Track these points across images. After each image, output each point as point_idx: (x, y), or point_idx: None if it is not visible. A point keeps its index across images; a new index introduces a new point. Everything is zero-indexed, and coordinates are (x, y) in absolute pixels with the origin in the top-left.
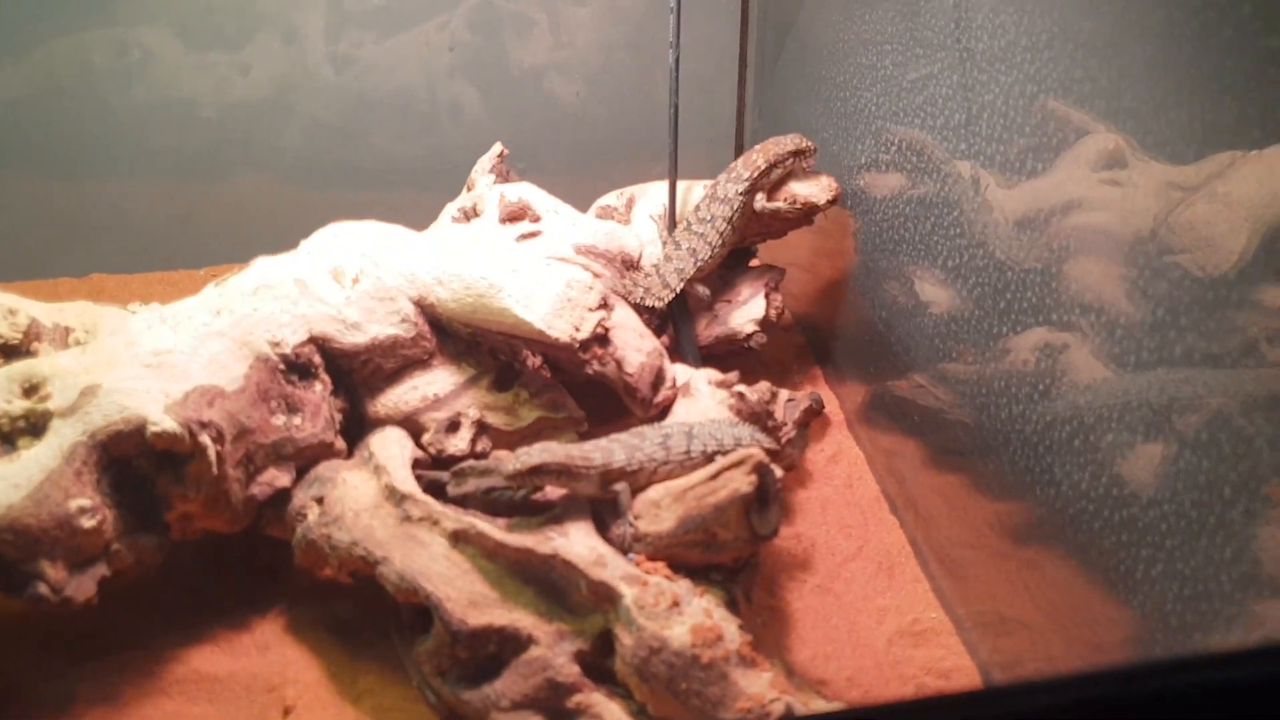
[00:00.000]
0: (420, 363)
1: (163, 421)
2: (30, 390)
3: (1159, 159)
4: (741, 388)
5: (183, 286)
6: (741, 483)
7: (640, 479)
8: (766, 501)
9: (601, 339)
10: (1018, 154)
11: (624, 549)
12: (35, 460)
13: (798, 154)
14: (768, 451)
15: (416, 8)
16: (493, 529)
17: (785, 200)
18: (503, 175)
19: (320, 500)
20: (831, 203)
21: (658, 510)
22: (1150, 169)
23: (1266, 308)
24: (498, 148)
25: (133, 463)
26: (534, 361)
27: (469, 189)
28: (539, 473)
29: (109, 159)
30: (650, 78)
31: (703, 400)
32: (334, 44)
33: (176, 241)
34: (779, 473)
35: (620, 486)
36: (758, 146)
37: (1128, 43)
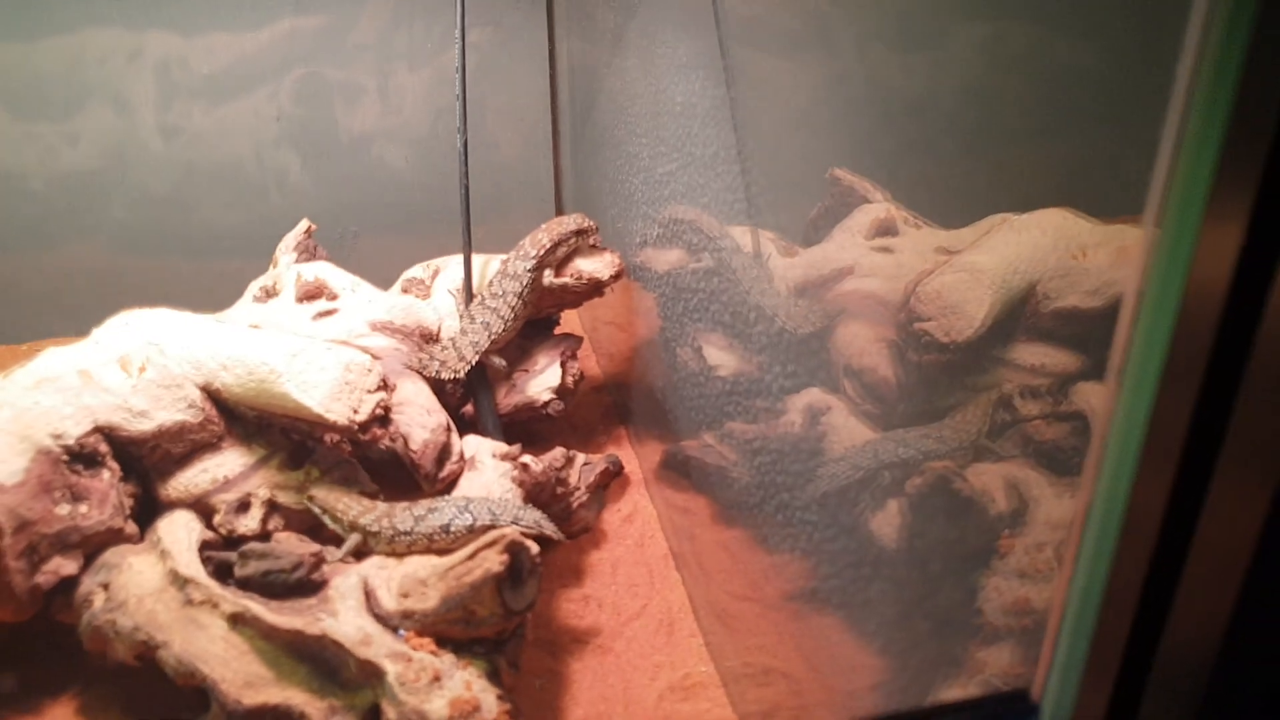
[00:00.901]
0: (210, 446)
1: None
2: None
3: (931, 224)
4: (527, 458)
5: (4, 361)
6: (493, 561)
7: (380, 543)
8: (521, 578)
9: (382, 419)
10: (788, 228)
11: (393, 628)
12: None
13: (580, 233)
14: (559, 519)
15: (245, 78)
16: (266, 611)
17: (571, 276)
18: (309, 251)
19: (106, 586)
20: (615, 278)
21: (424, 589)
22: (919, 235)
23: (1013, 366)
24: (304, 224)
25: None
26: (331, 438)
27: (273, 265)
28: (313, 500)
29: None
30: (477, 142)
31: (486, 473)
32: (164, 114)
33: (3, 313)
34: (534, 549)
35: (354, 537)
36: (543, 226)
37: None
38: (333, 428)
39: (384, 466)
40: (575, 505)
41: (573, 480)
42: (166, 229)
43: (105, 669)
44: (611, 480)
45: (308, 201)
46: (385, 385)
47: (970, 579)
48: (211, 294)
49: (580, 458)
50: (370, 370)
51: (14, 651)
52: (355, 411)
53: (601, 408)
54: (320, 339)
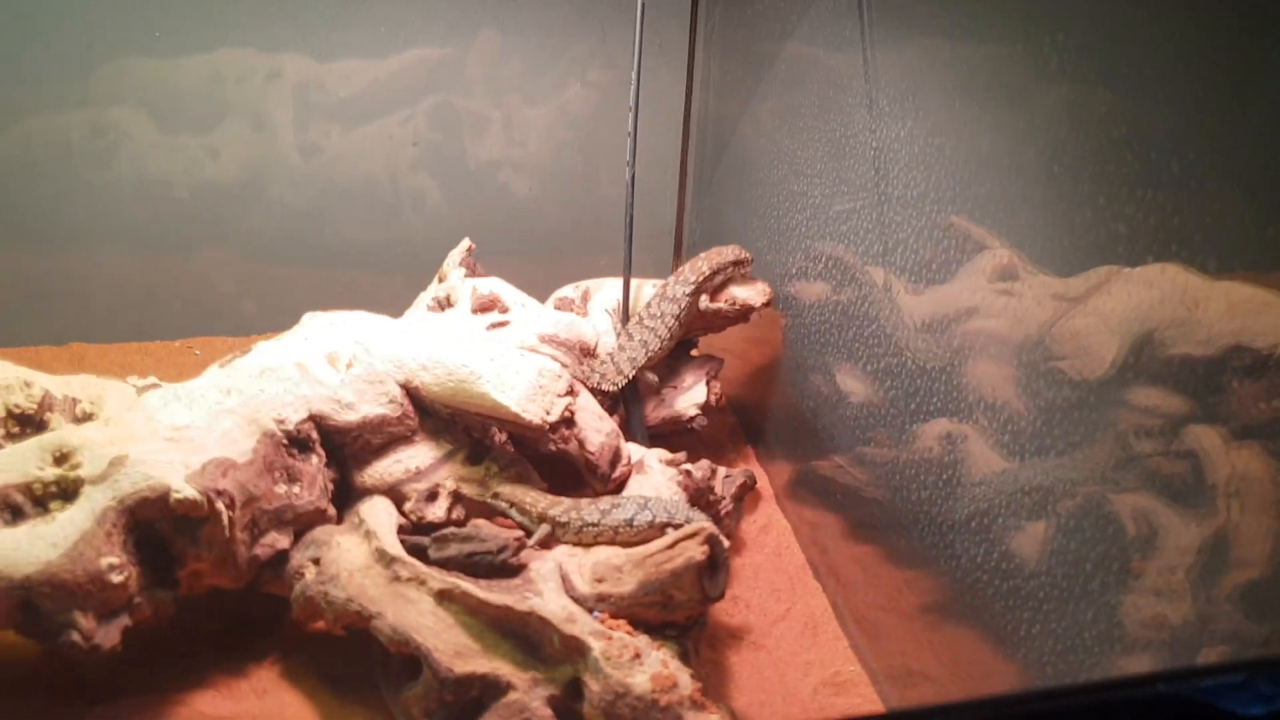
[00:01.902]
0: (404, 439)
1: (184, 490)
2: (61, 459)
3: (1046, 272)
4: (688, 466)
5: (159, 357)
6: (696, 551)
7: (568, 533)
8: (716, 568)
9: (568, 421)
10: (925, 269)
11: (588, 609)
12: (70, 522)
13: (737, 263)
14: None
15: (381, 104)
16: (475, 588)
17: (726, 301)
18: (470, 267)
19: (317, 561)
20: (766, 305)
21: (620, 574)
22: (1036, 282)
23: (1132, 408)
24: (466, 243)
25: (154, 526)
26: (500, 438)
27: (440, 280)
28: (498, 497)
29: (85, 232)
30: (595, 176)
31: (654, 476)
32: (302, 133)
33: (149, 313)
34: (726, 543)
35: (543, 527)
36: (703, 255)
37: (1021, 177)
38: (527, 427)
39: (541, 466)
40: (723, 514)
41: (718, 490)
42: (302, 241)
43: (300, 640)
44: (747, 493)
45: (437, 223)
46: (572, 391)
47: (1110, 595)
48: (339, 301)
49: (721, 470)
50: (560, 376)
51: (220, 617)
52: (547, 413)
53: (728, 428)
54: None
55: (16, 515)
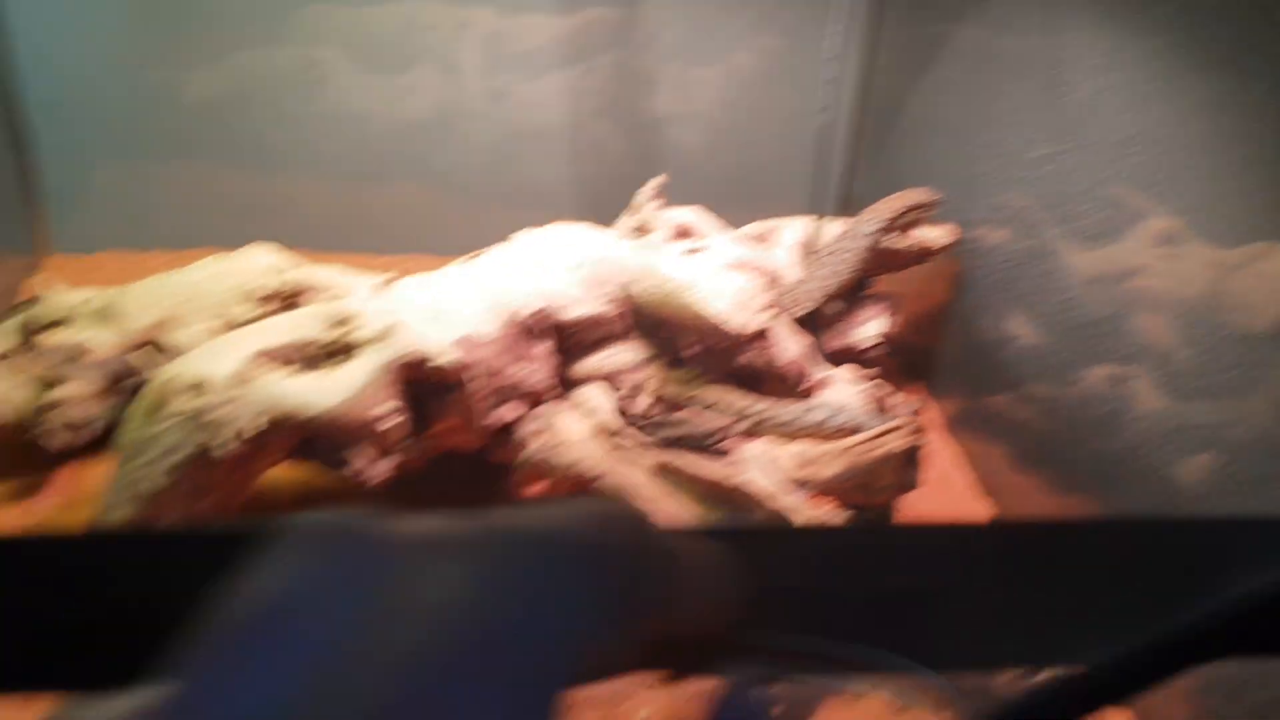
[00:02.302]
0: (618, 337)
1: (443, 356)
2: (338, 324)
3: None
4: (876, 381)
5: (369, 266)
6: (899, 442)
7: (766, 428)
8: (915, 460)
9: (763, 335)
10: (1097, 227)
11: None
12: (354, 373)
13: (926, 205)
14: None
15: (562, 58)
16: (690, 461)
17: (913, 241)
18: (660, 201)
19: (544, 432)
20: (949, 248)
21: (823, 461)
22: (1196, 248)
23: None
24: (661, 177)
25: (415, 386)
26: (693, 350)
27: (633, 212)
28: (696, 399)
29: (290, 158)
30: (759, 134)
31: (843, 390)
32: (489, 79)
33: (351, 232)
34: (926, 439)
35: (743, 421)
36: (892, 195)
37: (1207, 149)
38: (726, 336)
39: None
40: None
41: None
42: (488, 179)
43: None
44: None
45: (619, 168)
46: (771, 306)
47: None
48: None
49: (900, 395)
50: (760, 292)
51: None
52: (747, 325)
53: (899, 362)
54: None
55: (307, 365)
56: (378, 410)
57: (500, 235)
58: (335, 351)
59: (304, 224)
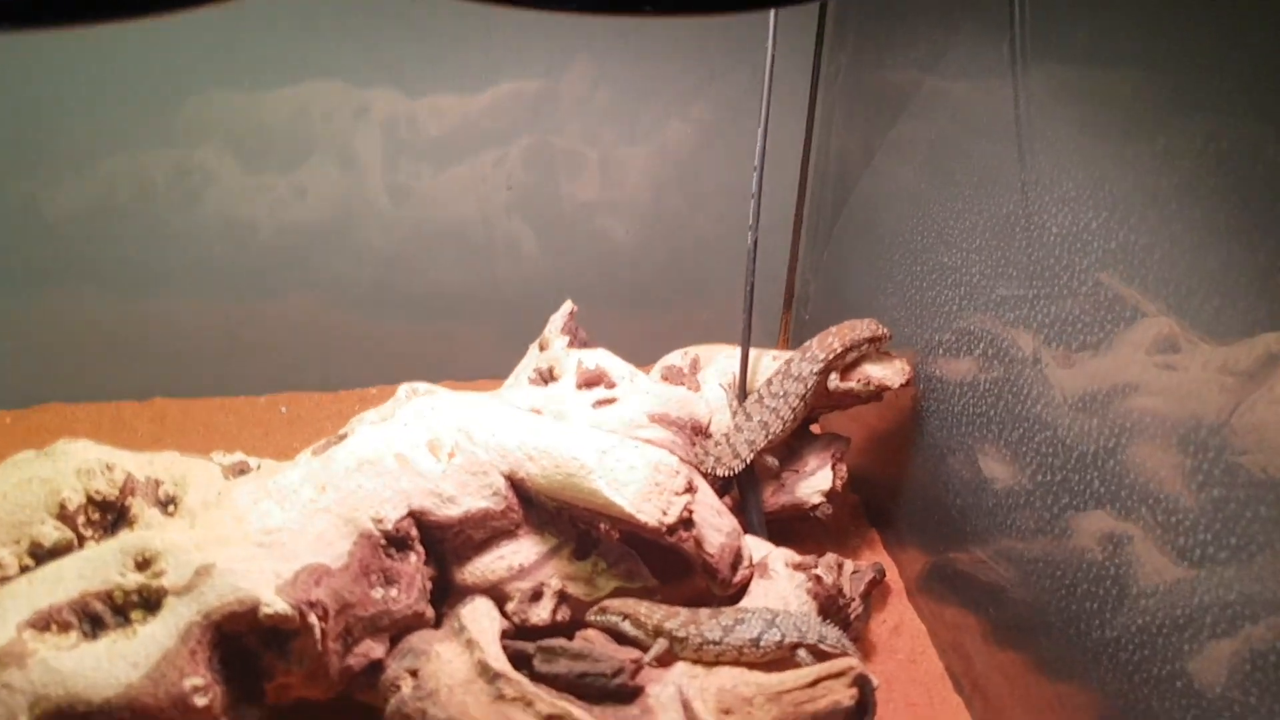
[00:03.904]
0: (507, 533)
1: (275, 603)
2: (143, 564)
3: (1208, 340)
4: (819, 570)
5: (244, 414)
6: (843, 695)
7: (687, 650)
8: (865, 712)
9: (687, 522)
10: (1079, 353)
11: None
12: (152, 639)
13: (874, 340)
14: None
15: (473, 143)
16: (587, 716)
17: (859, 381)
18: (572, 332)
19: (414, 673)
20: (904, 385)
21: (750, 708)
22: (1200, 354)
23: None
24: (569, 306)
25: (241, 639)
26: (610, 532)
27: (542, 348)
28: (606, 611)
29: (167, 277)
30: (695, 218)
31: (780, 583)
32: (391, 173)
33: (233, 364)
34: (875, 682)
35: (660, 642)
36: (834, 329)
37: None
38: (642, 528)
39: (650, 553)
40: (852, 617)
41: (846, 590)
42: (391, 287)
43: None
44: (874, 588)
45: (536, 268)
46: (690, 488)
47: None
48: (432, 352)
49: (849, 565)
50: (678, 473)
51: None
52: (664, 513)
53: (849, 507)
54: (604, 429)
55: (97, 626)
56: (189, 683)
57: (408, 354)
58: (141, 602)
59: (177, 361)
